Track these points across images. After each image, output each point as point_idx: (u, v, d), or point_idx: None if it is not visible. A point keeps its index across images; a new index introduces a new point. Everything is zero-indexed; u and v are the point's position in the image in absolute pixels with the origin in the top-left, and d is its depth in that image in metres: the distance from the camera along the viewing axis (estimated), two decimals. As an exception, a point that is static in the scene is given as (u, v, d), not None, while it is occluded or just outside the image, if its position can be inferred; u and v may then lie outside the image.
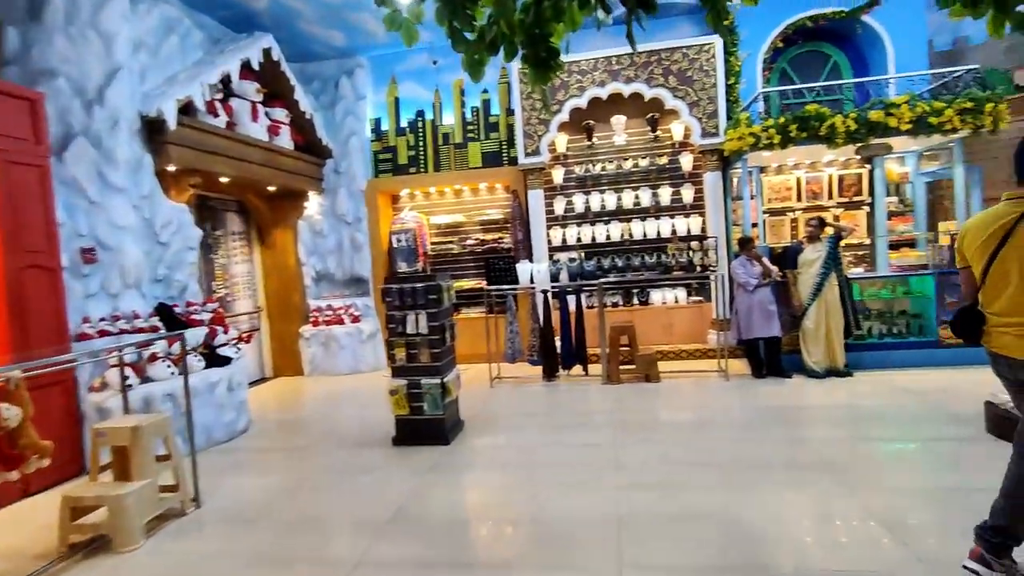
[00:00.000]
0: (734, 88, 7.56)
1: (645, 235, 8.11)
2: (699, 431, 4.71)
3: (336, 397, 6.97)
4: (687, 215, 8.05)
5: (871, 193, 7.77)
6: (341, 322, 8.31)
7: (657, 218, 8.12)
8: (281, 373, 8.49)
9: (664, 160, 8.09)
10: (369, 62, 8.89)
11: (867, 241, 7.77)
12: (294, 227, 8.38)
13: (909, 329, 6.55)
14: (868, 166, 7.73)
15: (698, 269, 7.75)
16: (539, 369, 7.03)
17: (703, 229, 7.93)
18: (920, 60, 7.42)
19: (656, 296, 8.08)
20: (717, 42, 7.55)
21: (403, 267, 8.51)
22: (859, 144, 6.29)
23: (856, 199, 7.91)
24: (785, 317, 6.33)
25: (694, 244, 7.88)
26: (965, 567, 2.48)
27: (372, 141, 8.90)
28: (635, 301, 8.13)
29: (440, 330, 4.77)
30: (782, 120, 6.25)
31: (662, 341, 7.87)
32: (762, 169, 7.95)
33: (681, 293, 8.06)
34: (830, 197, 7.97)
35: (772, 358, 6.33)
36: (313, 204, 8.59)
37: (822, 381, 6.01)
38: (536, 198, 8.20)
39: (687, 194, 8.01)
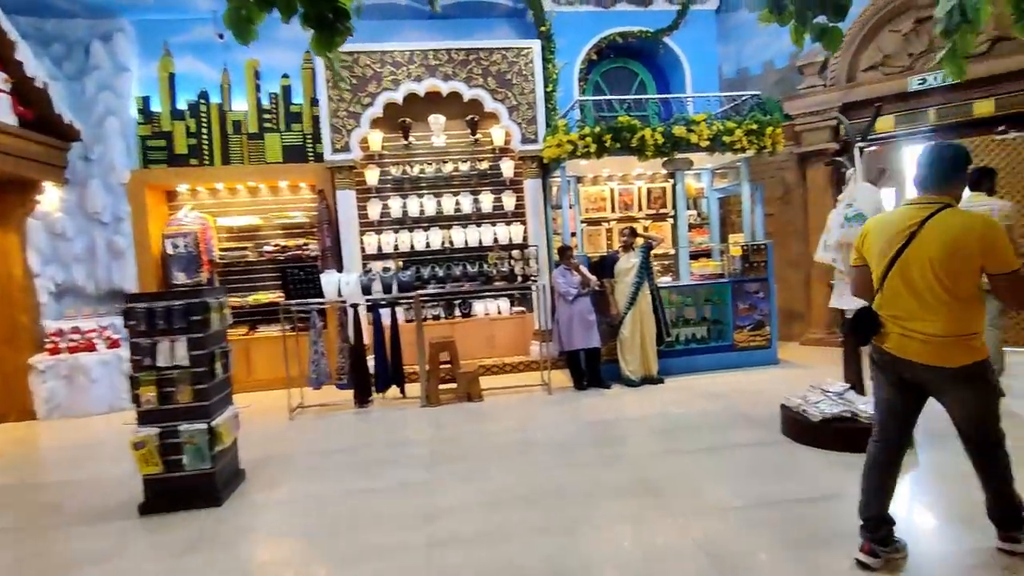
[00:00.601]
0: (552, 96, 7.51)
1: (467, 243, 7.70)
2: (522, 457, 4.31)
3: (76, 448, 5.39)
4: (509, 223, 7.81)
5: (674, 206, 8.25)
6: (93, 348, 6.59)
7: (479, 225, 7.76)
8: (1, 419, 6.46)
9: (485, 165, 7.77)
10: (135, 27, 7.26)
11: (673, 251, 8.24)
12: (19, 227, 6.45)
13: (710, 334, 6.97)
14: (671, 180, 8.21)
15: (520, 279, 7.53)
16: (350, 394, 6.18)
17: (525, 238, 7.74)
18: (712, 84, 8.08)
19: (479, 307, 7.70)
20: (536, 46, 7.43)
21: (181, 278, 7.05)
22: (665, 158, 6.53)
23: (663, 211, 8.37)
24: (604, 327, 6.32)
25: (516, 253, 7.66)
26: (857, 559, 2.54)
27: (139, 124, 7.26)
28: (457, 313, 7.67)
29: (207, 360, 3.75)
30: (598, 129, 6.24)
31: (485, 354, 7.50)
32: (579, 179, 8.02)
33: (504, 304, 7.79)
34: (640, 208, 8.33)
35: (593, 369, 6.27)
36: (51, 198, 6.72)
37: (638, 389, 6.08)
38: (347, 200, 7.33)
39: (508, 201, 7.77)
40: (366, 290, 6.08)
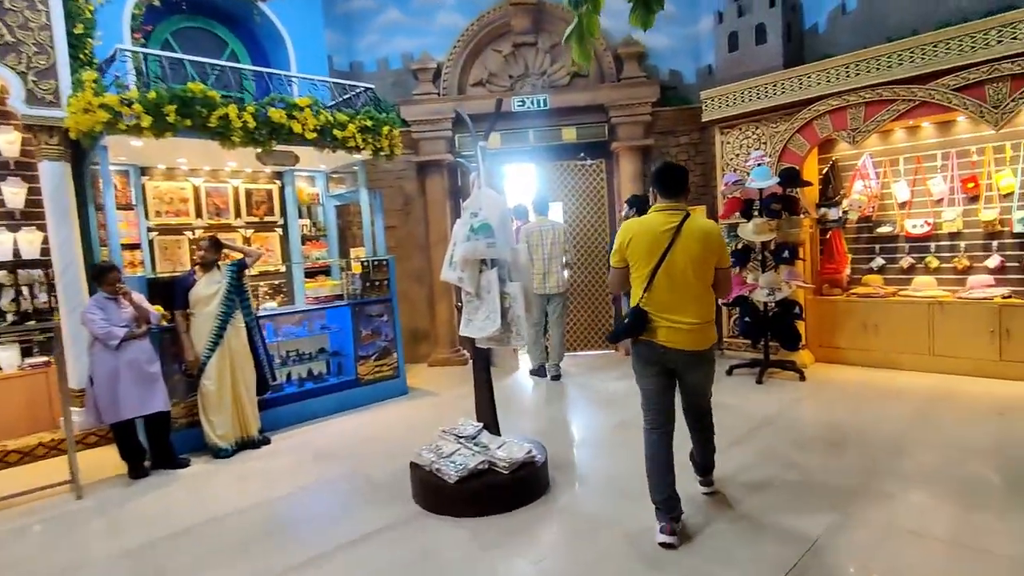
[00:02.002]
0: (86, 43, 5.11)
1: (-80, 259, 4.59)
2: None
3: None
4: (15, 228, 5.02)
5: (284, 213, 6.78)
6: None
7: (-53, 230, 4.74)
8: None
9: (-42, 133, 4.80)
10: None
11: (283, 268, 6.74)
12: None
13: (329, 369, 5.77)
14: (279, 182, 6.72)
15: (34, 316, 4.88)
16: None
17: (45, 251, 5.09)
18: (322, 74, 6.92)
19: (-47, 364, 4.68)
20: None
21: None
22: (261, 148, 5.03)
23: (268, 219, 6.77)
24: (176, 379, 4.43)
25: (27, 274, 4.96)
26: (661, 543, 2.75)
27: None
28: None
29: None
30: (153, 95, 4.32)
31: (-34, 442, 4.58)
32: (144, 170, 5.78)
33: (11, 353, 4.96)
34: (238, 215, 6.55)
35: (159, 442, 4.30)
36: None
37: (231, 461, 4.41)
38: None
39: (12, 194, 5.00)
40: None
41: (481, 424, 3.72)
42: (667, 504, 2.78)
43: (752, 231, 5.48)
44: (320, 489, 3.82)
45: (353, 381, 5.64)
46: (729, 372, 5.91)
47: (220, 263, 4.66)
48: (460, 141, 7.31)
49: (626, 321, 2.81)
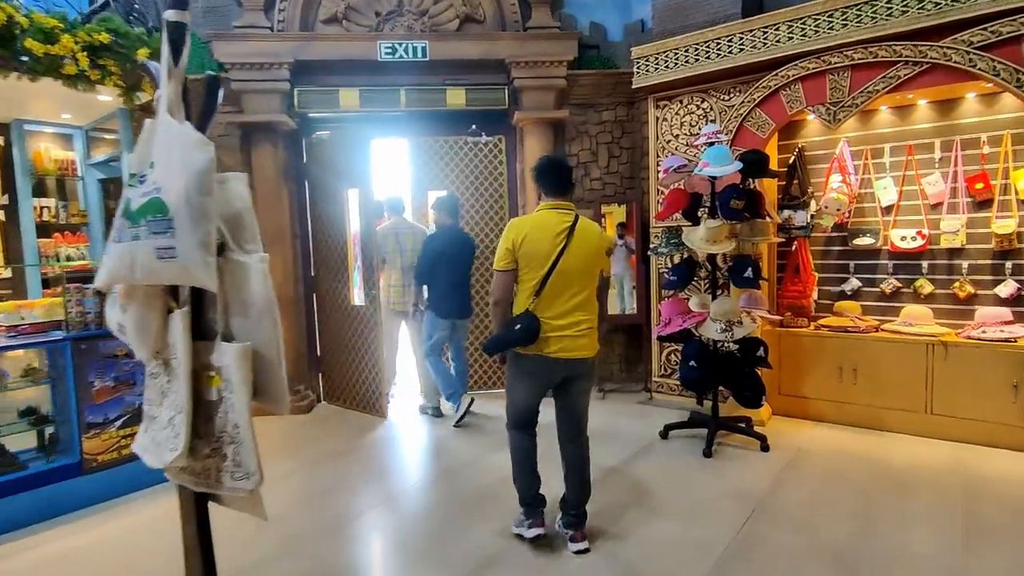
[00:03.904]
0: None
1: None
2: None
3: None
4: None
5: (11, 188, 4.41)
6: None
7: None
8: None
9: None
10: None
11: (7, 273, 4.38)
12: None
13: (40, 445, 3.50)
14: (-3, 138, 4.34)
15: None
16: None
17: None
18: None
19: None
20: None
21: None
22: None
23: (-23, 195, 4.37)
24: None
25: None
26: (530, 537, 2.79)
27: None
28: None
29: None
30: None
31: None
32: None
33: None
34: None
35: None
36: None
37: None
38: None
39: None
40: None
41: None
42: (537, 499, 2.80)
43: (704, 238, 3.80)
44: None
45: (76, 466, 3.40)
46: (664, 434, 4.23)
47: None
48: (303, 98, 5.20)
49: (516, 328, 2.59)
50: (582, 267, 2.64)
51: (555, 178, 2.73)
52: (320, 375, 5.62)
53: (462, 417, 4.70)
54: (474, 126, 5.36)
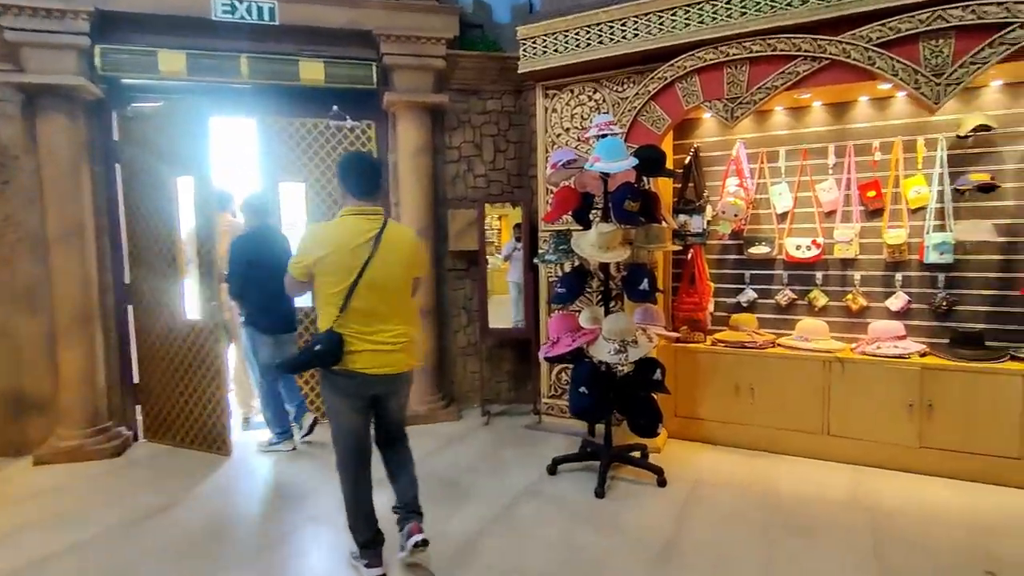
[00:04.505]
0: None
1: None
2: None
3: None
4: None
5: None
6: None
7: None
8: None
9: None
10: None
11: None
12: None
13: None
14: None
15: None
16: None
17: None
18: None
19: None
20: None
21: None
22: None
23: None
24: None
25: None
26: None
27: None
28: None
29: None
30: None
31: None
32: None
33: None
34: None
35: None
36: None
37: None
38: None
39: None
40: None
41: None
42: (377, 539, 2.58)
43: (595, 244, 3.27)
44: None
45: None
46: (552, 470, 3.66)
47: None
48: (109, 58, 4.12)
49: (316, 348, 2.34)
50: (393, 276, 2.45)
51: (361, 178, 2.48)
52: (139, 407, 4.52)
53: (307, 433, 4.19)
54: (335, 107, 4.53)
